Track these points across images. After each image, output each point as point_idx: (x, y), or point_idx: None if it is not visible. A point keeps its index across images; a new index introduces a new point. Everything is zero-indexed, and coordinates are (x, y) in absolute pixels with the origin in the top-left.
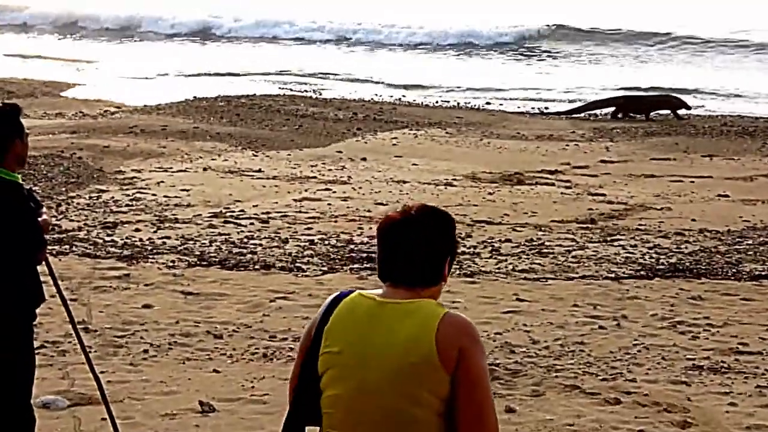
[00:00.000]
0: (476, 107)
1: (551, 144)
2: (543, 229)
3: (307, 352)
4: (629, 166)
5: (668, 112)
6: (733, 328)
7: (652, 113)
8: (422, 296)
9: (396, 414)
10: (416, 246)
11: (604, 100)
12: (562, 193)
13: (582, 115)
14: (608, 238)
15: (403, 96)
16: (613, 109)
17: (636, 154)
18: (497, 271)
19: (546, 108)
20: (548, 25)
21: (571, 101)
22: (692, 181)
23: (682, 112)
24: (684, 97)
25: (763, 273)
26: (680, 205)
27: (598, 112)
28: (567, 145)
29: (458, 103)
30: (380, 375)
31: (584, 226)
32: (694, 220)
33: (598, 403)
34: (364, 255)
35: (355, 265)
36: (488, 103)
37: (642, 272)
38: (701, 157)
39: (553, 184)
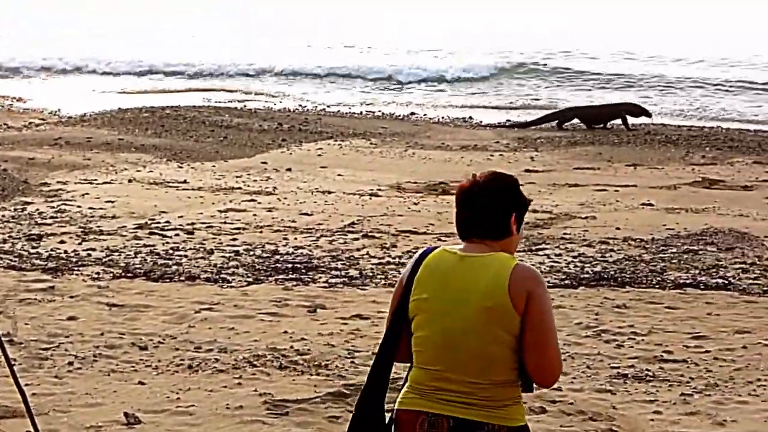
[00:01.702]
0: (401, 117)
1: (476, 154)
2: None
3: (399, 298)
4: (553, 176)
5: (631, 119)
6: (657, 336)
7: (611, 122)
8: (495, 249)
9: (477, 351)
10: (483, 206)
11: (561, 111)
12: None
13: (507, 125)
14: (533, 248)
15: (328, 107)
16: (573, 120)
17: (560, 163)
18: None
19: (507, 121)
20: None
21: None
22: (616, 190)
23: (642, 120)
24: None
25: (687, 281)
26: (604, 214)
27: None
28: (492, 155)
29: (383, 113)
30: (462, 319)
31: None
32: (618, 228)
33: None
34: (290, 265)
35: (281, 276)
36: (412, 113)
37: (567, 281)
38: (625, 166)
39: None
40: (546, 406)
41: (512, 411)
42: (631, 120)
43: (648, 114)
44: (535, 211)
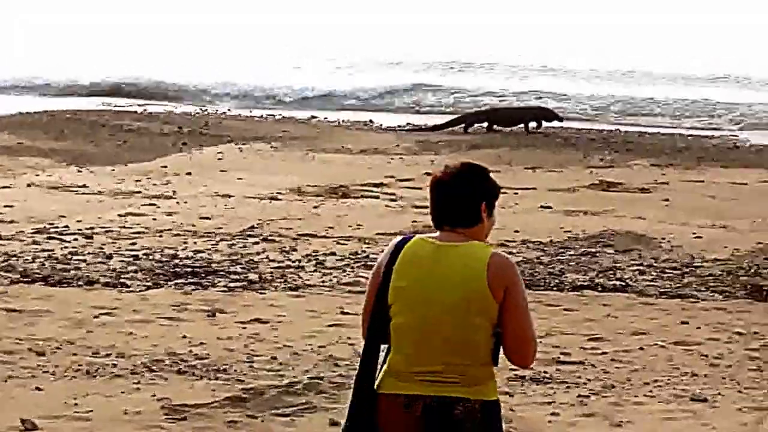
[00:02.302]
0: (302, 121)
1: (376, 157)
2: (368, 241)
3: (378, 286)
4: None
5: (532, 124)
6: (555, 338)
7: (522, 125)
8: (467, 237)
9: (454, 337)
10: (453, 195)
11: (476, 114)
12: (386, 206)
13: (407, 128)
14: None
15: (229, 110)
16: (486, 123)
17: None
18: (322, 284)
19: (408, 124)
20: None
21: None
22: (516, 193)
23: (554, 124)
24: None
25: (585, 283)
26: (504, 217)
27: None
28: (392, 159)
29: (283, 117)
30: (441, 307)
31: None
32: (517, 231)
33: None
34: (189, 270)
35: (180, 280)
36: (313, 117)
37: None
38: (524, 169)
39: (378, 197)
40: None
41: (487, 387)
42: (533, 124)
43: (560, 119)
44: None
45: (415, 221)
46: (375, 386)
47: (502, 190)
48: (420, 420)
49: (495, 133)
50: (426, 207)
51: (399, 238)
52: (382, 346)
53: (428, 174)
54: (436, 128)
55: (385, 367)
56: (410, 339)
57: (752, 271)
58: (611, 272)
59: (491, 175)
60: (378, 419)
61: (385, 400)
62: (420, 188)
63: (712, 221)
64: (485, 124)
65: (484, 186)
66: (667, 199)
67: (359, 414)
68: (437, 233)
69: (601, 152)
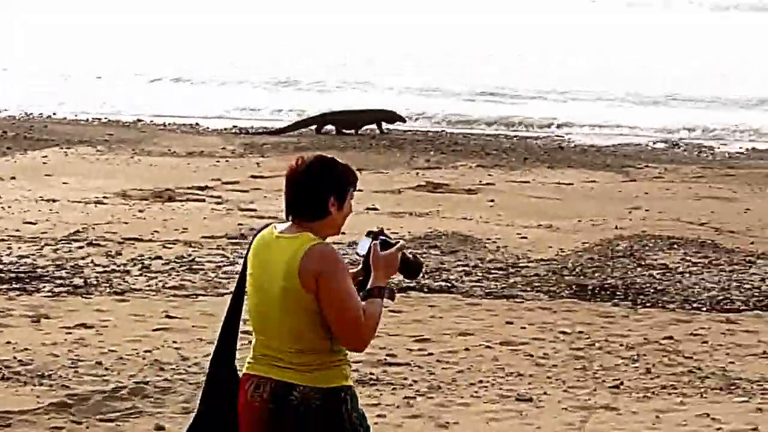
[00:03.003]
0: (127, 124)
1: (203, 160)
2: (193, 245)
3: (241, 272)
4: (279, 181)
5: (385, 125)
6: (381, 340)
7: (365, 127)
8: (310, 228)
9: (283, 324)
10: (299, 187)
11: (316, 117)
12: (212, 209)
13: (236, 131)
14: None
15: (54, 113)
16: (329, 126)
17: (285, 169)
18: (147, 288)
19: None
20: None
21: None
22: None
23: (395, 125)
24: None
25: (410, 284)
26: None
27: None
28: (218, 161)
29: (109, 120)
30: (270, 295)
31: (235, 241)
32: (344, 233)
33: None
34: (13, 275)
35: (4, 286)
36: (139, 120)
37: None
38: None
39: (203, 200)
40: None
41: (325, 374)
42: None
43: (403, 120)
44: (261, 217)
45: (240, 224)
46: (235, 369)
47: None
48: (267, 402)
49: (323, 135)
50: (251, 210)
51: (263, 225)
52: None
53: (254, 177)
54: (281, 131)
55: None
56: (255, 323)
57: (577, 270)
58: (437, 273)
59: (349, 167)
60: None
61: (244, 380)
62: (246, 191)
63: (537, 221)
64: (329, 126)
65: (330, 179)
66: (492, 200)
67: (208, 396)
68: (287, 223)
69: (427, 153)
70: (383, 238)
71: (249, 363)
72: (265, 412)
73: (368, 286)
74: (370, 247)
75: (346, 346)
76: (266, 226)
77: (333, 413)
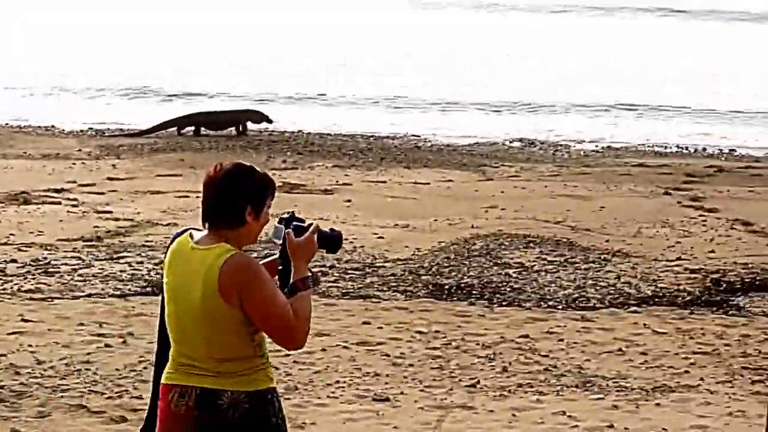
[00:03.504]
0: None
1: (58, 162)
2: (49, 248)
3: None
4: (135, 183)
5: (251, 125)
6: None
7: (230, 128)
8: (225, 238)
9: (204, 336)
10: (215, 194)
11: (181, 117)
12: (68, 211)
13: (91, 133)
14: (115, 256)
15: None
16: (192, 127)
17: (142, 170)
18: (2, 291)
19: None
20: None
21: None
22: (198, 196)
23: (264, 125)
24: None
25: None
26: (186, 220)
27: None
28: (74, 164)
29: None
30: (189, 306)
31: (90, 243)
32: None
33: (104, 422)
34: None
35: None
36: None
37: (148, 288)
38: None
39: (59, 203)
40: (127, 415)
41: (252, 378)
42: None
43: (269, 120)
44: (117, 219)
45: (96, 226)
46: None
47: (183, 195)
48: (193, 409)
49: (182, 136)
50: (107, 212)
51: (178, 230)
52: None
53: (110, 179)
54: (143, 133)
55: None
56: (173, 332)
57: (433, 270)
58: None
59: (267, 176)
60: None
61: (163, 389)
62: (102, 193)
63: (394, 221)
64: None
65: (248, 187)
66: (349, 200)
67: (152, 403)
68: (205, 230)
69: (284, 154)
70: (296, 223)
71: (169, 373)
72: (191, 420)
73: (291, 280)
74: (284, 235)
75: (284, 347)
76: (183, 231)
77: (262, 416)
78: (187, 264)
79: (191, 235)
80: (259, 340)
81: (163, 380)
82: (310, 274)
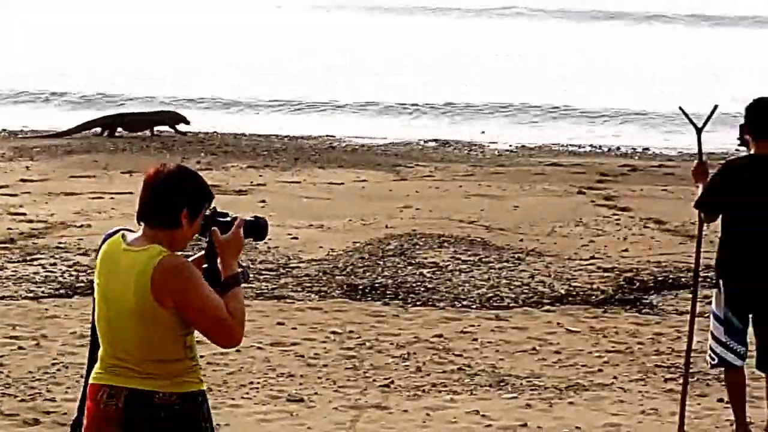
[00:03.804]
0: None
1: None
2: None
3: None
4: (49, 185)
5: (168, 127)
6: None
7: (154, 129)
8: (158, 239)
9: (137, 338)
10: (153, 194)
11: (103, 118)
12: None
13: (5, 134)
14: (28, 258)
15: None
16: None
17: (56, 172)
18: None
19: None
20: None
21: None
22: (112, 197)
23: (181, 127)
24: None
25: None
26: (100, 222)
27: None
28: None
29: None
30: (121, 307)
31: (3, 246)
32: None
33: (17, 424)
34: None
35: None
36: None
37: (61, 290)
38: (121, 174)
39: None
40: (40, 417)
41: (183, 380)
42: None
43: (186, 121)
44: (30, 221)
45: (10, 228)
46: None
47: (98, 196)
48: (122, 410)
49: (95, 138)
50: (21, 214)
51: (109, 231)
52: None
53: (23, 180)
54: (63, 134)
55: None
56: (104, 333)
57: (347, 270)
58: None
59: (207, 184)
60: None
61: (91, 389)
62: (15, 195)
63: (308, 222)
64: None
65: (186, 191)
66: (263, 201)
67: (81, 402)
68: (138, 230)
69: (198, 155)
70: (220, 219)
71: (98, 373)
72: (121, 421)
73: (223, 278)
74: (210, 233)
75: (221, 346)
76: (115, 232)
77: (192, 417)
78: (118, 265)
79: (123, 237)
80: (191, 342)
81: (91, 380)
82: (240, 269)
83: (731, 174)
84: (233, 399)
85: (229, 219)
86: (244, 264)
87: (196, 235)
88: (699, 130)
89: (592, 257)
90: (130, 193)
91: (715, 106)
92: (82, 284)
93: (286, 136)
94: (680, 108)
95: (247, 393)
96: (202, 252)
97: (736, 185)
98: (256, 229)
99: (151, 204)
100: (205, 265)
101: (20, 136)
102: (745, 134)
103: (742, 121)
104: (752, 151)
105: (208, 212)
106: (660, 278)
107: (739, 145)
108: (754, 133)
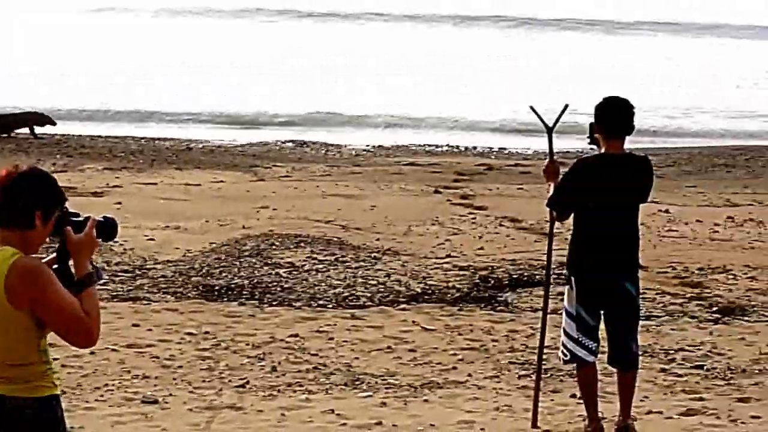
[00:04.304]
0: None
1: None
2: None
3: None
4: None
5: (35, 128)
6: None
7: (18, 130)
8: (13, 240)
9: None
10: (8, 195)
11: None
12: None
13: None
14: None
15: None
16: None
17: None
18: None
19: None
20: None
21: None
22: None
23: (46, 129)
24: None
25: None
26: None
27: None
28: None
29: None
30: None
31: None
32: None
33: None
34: None
35: None
36: None
37: None
38: None
39: None
40: None
41: (37, 384)
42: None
43: (53, 123)
44: None
45: None
46: None
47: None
48: None
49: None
50: None
51: None
52: None
53: None
54: None
55: None
56: None
57: (204, 271)
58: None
59: (60, 187)
60: None
61: None
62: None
63: (165, 223)
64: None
65: (39, 192)
66: (119, 203)
67: None
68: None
69: (53, 157)
70: (73, 219)
71: None
72: None
73: (76, 277)
74: (63, 233)
75: (78, 346)
76: None
77: (47, 422)
78: None
79: None
80: (44, 346)
81: None
82: (93, 269)
83: (581, 173)
84: (87, 402)
85: (81, 219)
86: (98, 265)
87: (49, 236)
88: (550, 130)
89: (448, 256)
90: None
91: (566, 106)
92: None
93: (142, 138)
94: (531, 107)
95: (102, 395)
96: (54, 254)
97: (586, 184)
98: (105, 228)
99: (5, 206)
100: (55, 266)
101: None
102: (596, 133)
103: (592, 120)
104: (602, 150)
105: (60, 212)
106: (515, 276)
107: (589, 143)
108: (603, 132)
